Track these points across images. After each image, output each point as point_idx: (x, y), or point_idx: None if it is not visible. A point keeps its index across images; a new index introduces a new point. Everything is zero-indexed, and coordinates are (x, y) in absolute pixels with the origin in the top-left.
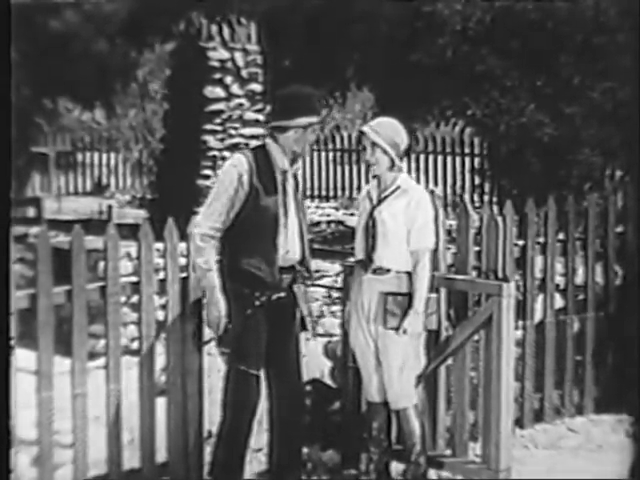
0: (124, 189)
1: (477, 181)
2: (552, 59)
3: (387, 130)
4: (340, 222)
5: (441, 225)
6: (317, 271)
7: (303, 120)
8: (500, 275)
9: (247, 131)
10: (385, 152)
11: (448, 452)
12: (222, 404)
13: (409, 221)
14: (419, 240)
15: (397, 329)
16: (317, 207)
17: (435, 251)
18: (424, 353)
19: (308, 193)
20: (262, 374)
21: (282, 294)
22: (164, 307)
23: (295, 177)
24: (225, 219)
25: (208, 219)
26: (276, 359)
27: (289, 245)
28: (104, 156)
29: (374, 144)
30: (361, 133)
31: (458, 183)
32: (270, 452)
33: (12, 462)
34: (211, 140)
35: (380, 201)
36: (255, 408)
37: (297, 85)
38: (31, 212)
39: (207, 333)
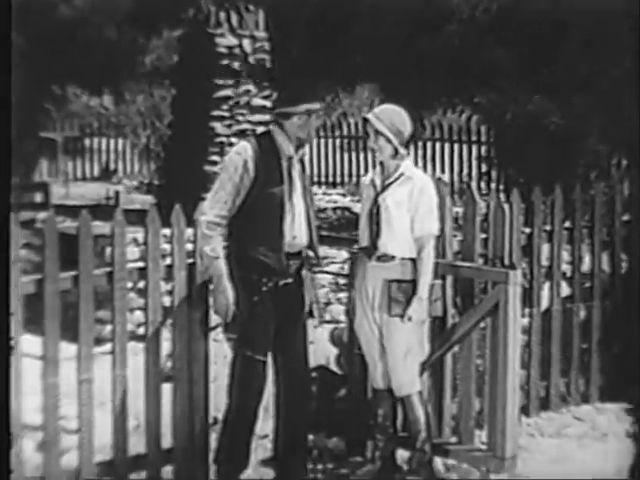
0: (132, 175)
1: (484, 169)
2: (558, 48)
3: (391, 117)
4: (347, 209)
5: (448, 212)
6: (324, 258)
7: (306, 106)
8: (507, 263)
9: (255, 117)
10: (388, 140)
11: (454, 440)
12: (228, 390)
13: (413, 208)
14: (423, 227)
15: (402, 316)
16: (324, 194)
17: (441, 238)
18: (428, 340)
19: (315, 180)
20: (269, 360)
21: (289, 280)
22: (171, 293)
23: (302, 163)
24: (231, 207)
25: (214, 207)
26: (283, 345)
27: (295, 231)
28: (112, 142)
29: (377, 131)
30: (365, 120)
31: (465, 171)
32: (275, 438)
33: (12, 462)
34: (218, 126)
35: (384, 188)
36: (261, 394)
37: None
38: (38, 197)
39: (213, 319)
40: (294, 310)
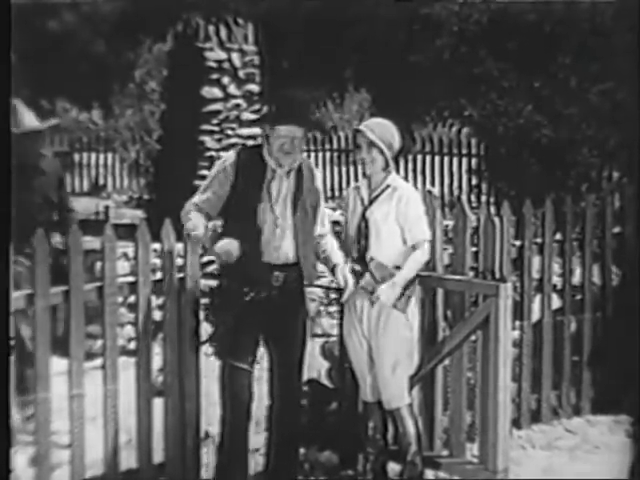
0: (121, 189)
1: (474, 182)
2: (549, 60)
3: (383, 130)
4: (337, 222)
5: (438, 225)
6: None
7: (288, 131)
8: (497, 275)
9: (244, 131)
10: (381, 152)
11: (445, 453)
12: (220, 403)
13: (401, 218)
14: (415, 234)
15: (372, 293)
16: None
17: (432, 251)
18: (418, 353)
19: None
20: (254, 370)
21: (274, 292)
22: (161, 307)
23: (299, 178)
24: (213, 204)
25: (196, 198)
26: (275, 357)
27: (278, 243)
28: (101, 156)
29: (371, 143)
30: (357, 131)
31: (455, 184)
32: (267, 452)
33: (12, 462)
34: (208, 140)
35: (371, 202)
36: (248, 404)
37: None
38: None
39: (204, 334)
40: (283, 322)
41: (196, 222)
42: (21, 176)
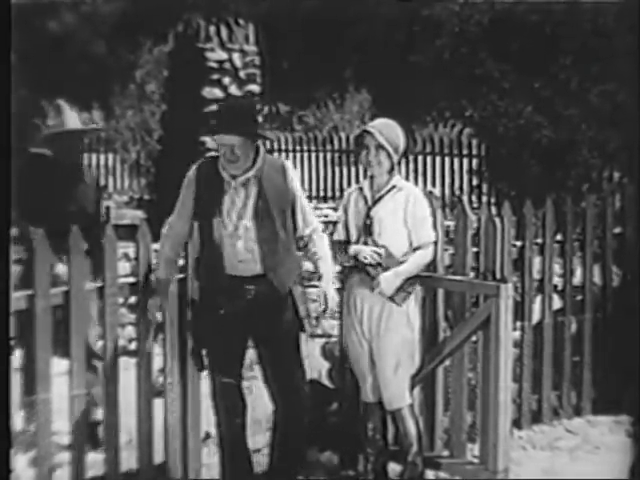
0: (122, 190)
1: (475, 182)
2: (550, 61)
3: (391, 133)
4: (335, 222)
5: (439, 226)
6: (315, 272)
7: (217, 138)
8: (498, 276)
9: None
10: (389, 155)
11: (446, 453)
12: (214, 415)
13: (409, 218)
14: (421, 236)
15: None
16: (315, 208)
17: (433, 252)
18: (419, 353)
19: (306, 194)
20: (242, 381)
21: (249, 304)
22: (162, 308)
23: (260, 185)
24: (183, 222)
25: (171, 218)
26: (269, 364)
27: (241, 256)
28: (102, 157)
29: (379, 146)
30: (366, 132)
31: (456, 184)
32: (271, 453)
33: (12, 462)
34: (209, 141)
35: (375, 201)
36: (241, 415)
37: (233, 99)
38: None
39: None
40: (269, 331)
41: (160, 259)
42: (58, 177)
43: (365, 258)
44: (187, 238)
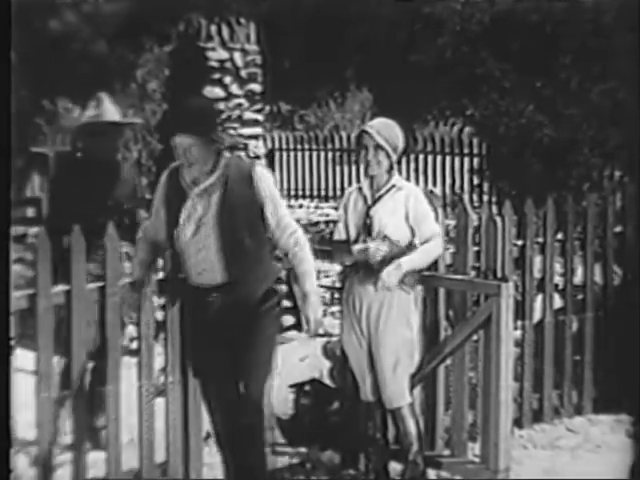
0: None
1: (476, 181)
2: (551, 60)
3: (389, 132)
4: (333, 222)
5: (440, 225)
6: (316, 271)
7: (176, 140)
8: (499, 275)
9: (246, 131)
10: (387, 154)
11: (447, 452)
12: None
13: (411, 214)
14: (425, 230)
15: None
16: (316, 207)
17: None
18: (418, 352)
19: (307, 193)
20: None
21: (215, 314)
22: (163, 307)
23: (224, 192)
24: (157, 230)
25: (146, 222)
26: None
27: (202, 265)
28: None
29: (377, 146)
30: (364, 133)
31: (457, 183)
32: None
33: (12, 462)
34: None
35: (375, 201)
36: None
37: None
38: (30, 212)
39: None
40: (237, 342)
41: (134, 262)
42: (95, 169)
43: (373, 257)
44: (165, 243)
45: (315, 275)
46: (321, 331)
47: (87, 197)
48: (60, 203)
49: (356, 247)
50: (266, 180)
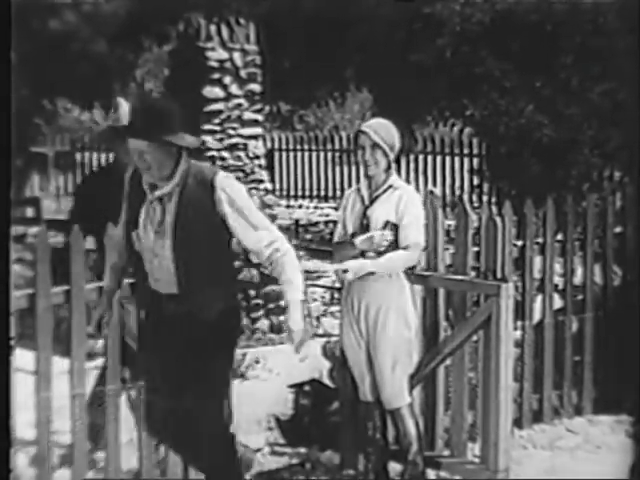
0: None
1: (476, 181)
2: (551, 60)
3: (386, 132)
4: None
5: (440, 225)
6: (315, 271)
7: (129, 144)
8: (499, 275)
9: (246, 131)
10: (385, 153)
11: (446, 452)
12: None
13: (399, 217)
14: (407, 236)
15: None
16: (316, 207)
17: (433, 251)
18: (417, 352)
19: (307, 193)
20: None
21: (172, 321)
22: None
23: (180, 200)
24: (118, 229)
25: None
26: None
27: (157, 274)
28: (103, 156)
29: (374, 145)
30: (360, 132)
31: (457, 183)
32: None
33: (12, 462)
34: (210, 140)
35: (372, 201)
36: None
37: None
38: (30, 212)
39: None
40: (188, 355)
41: (106, 267)
42: (116, 173)
43: (379, 245)
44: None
45: (300, 284)
46: (320, 331)
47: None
48: (88, 205)
49: (360, 237)
50: (230, 189)
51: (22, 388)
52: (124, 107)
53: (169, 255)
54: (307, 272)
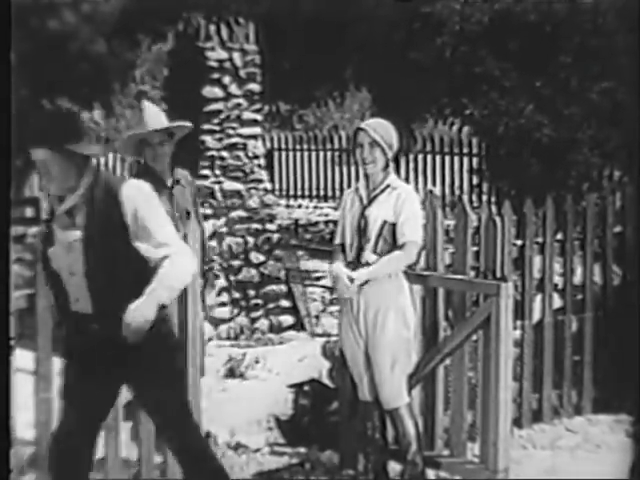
0: None
1: (475, 181)
2: (550, 60)
3: (384, 130)
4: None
5: (439, 225)
6: (315, 271)
7: (32, 153)
8: (498, 275)
9: (245, 131)
10: (383, 151)
11: (446, 452)
12: None
13: (396, 215)
14: (404, 233)
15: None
16: (315, 207)
17: (433, 251)
18: (415, 352)
19: (306, 193)
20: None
21: (97, 343)
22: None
23: (89, 215)
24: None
25: None
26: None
27: (75, 295)
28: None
29: (373, 143)
30: (359, 130)
31: (456, 183)
32: None
33: (12, 462)
34: (209, 140)
35: (370, 201)
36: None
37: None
38: (29, 212)
39: (206, 333)
40: (110, 376)
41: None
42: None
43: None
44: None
45: (171, 288)
46: (320, 331)
47: None
48: None
49: (332, 268)
50: (134, 199)
51: (22, 388)
52: (148, 109)
53: (82, 272)
54: (307, 272)
